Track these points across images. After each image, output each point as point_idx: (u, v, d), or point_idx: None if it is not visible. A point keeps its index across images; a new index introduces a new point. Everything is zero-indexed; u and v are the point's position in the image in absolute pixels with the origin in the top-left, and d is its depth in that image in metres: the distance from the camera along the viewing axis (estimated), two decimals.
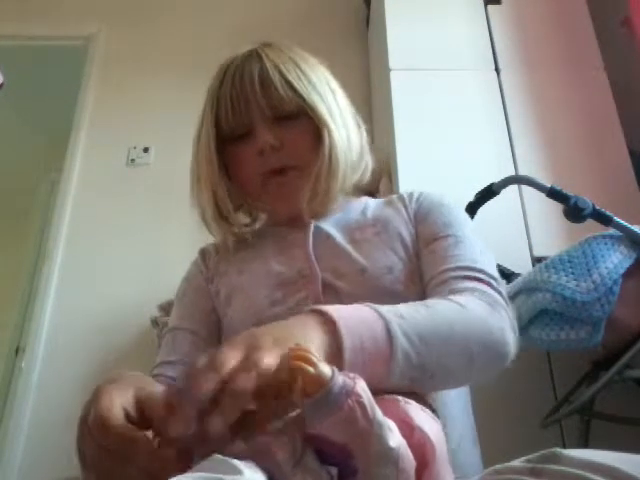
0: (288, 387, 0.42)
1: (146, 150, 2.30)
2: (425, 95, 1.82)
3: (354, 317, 0.54)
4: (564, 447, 0.39)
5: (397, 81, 1.84)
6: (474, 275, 0.67)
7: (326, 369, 0.42)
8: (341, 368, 0.48)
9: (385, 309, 0.56)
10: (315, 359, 0.42)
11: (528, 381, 1.40)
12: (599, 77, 1.85)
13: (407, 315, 0.56)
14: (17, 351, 2.76)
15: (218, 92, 0.78)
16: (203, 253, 0.86)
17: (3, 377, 2.84)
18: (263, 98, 0.75)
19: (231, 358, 0.44)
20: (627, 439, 1.26)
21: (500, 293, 0.67)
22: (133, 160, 2.29)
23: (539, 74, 1.87)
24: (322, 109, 0.76)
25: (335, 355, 0.51)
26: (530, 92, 1.83)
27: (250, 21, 2.55)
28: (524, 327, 1.20)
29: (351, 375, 0.43)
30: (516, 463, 0.40)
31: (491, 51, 1.91)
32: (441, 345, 0.57)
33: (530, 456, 0.40)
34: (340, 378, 0.42)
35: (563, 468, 0.37)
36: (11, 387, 2.40)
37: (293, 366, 0.42)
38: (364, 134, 0.86)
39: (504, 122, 1.78)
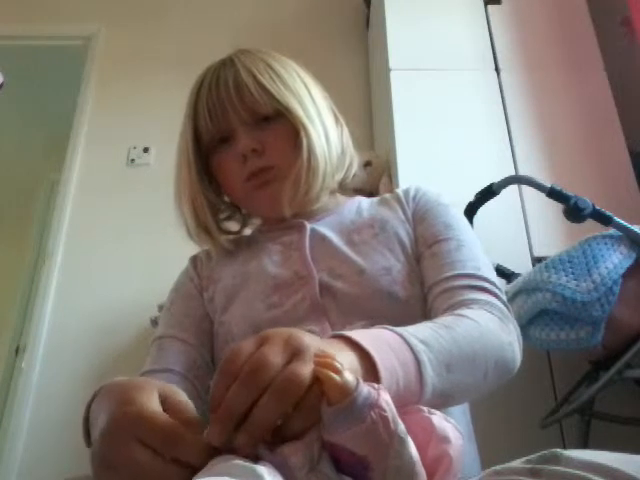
0: (314, 396, 0.41)
1: (146, 150, 2.30)
2: (425, 95, 1.82)
3: (388, 352, 0.50)
4: (564, 447, 0.39)
5: (397, 81, 1.84)
6: (480, 285, 0.68)
7: (351, 378, 0.41)
8: None
9: (410, 334, 0.53)
10: (340, 367, 0.41)
11: (528, 381, 1.40)
12: (599, 77, 1.85)
13: (432, 341, 0.54)
14: (17, 351, 2.76)
15: (196, 102, 0.78)
16: (194, 261, 0.86)
17: (3, 377, 2.84)
18: (239, 103, 0.75)
19: (277, 359, 0.42)
20: (627, 439, 1.26)
21: (505, 304, 0.68)
22: (133, 160, 2.29)
23: (539, 74, 1.87)
24: (298, 110, 0.75)
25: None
26: (530, 92, 1.83)
27: (250, 21, 2.56)
28: (524, 327, 1.20)
29: (375, 386, 0.42)
30: (515, 464, 0.40)
31: (491, 51, 1.91)
32: (463, 371, 0.56)
33: (530, 457, 0.40)
34: (365, 389, 0.41)
35: (563, 469, 0.36)
36: (11, 387, 2.40)
37: (318, 373, 0.41)
38: (345, 130, 0.85)
39: (504, 122, 1.78)
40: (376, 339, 0.51)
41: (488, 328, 0.61)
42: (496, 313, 0.65)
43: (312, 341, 0.45)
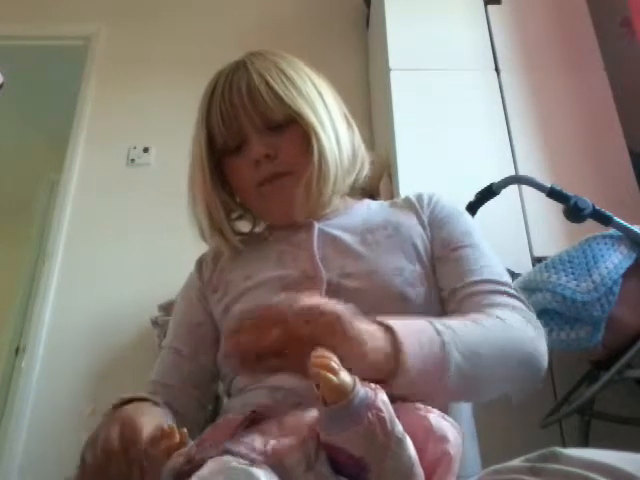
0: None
1: (146, 150, 2.29)
2: (425, 95, 1.81)
3: (417, 335, 0.55)
4: (564, 447, 0.39)
5: (397, 81, 1.84)
6: (503, 289, 0.70)
7: (348, 379, 0.40)
8: (395, 380, 0.50)
9: (436, 320, 0.58)
10: (337, 367, 0.40)
11: None
12: (599, 77, 1.85)
13: (457, 328, 0.58)
14: (17, 351, 2.76)
15: (209, 106, 0.79)
16: (199, 265, 0.87)
17: (3, 377, 2.84)
18: (252, 109, 0.76)
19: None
20: (627, 439, 1.26)
21: (530, 308, 0.70)
22: (133, 160, 2.29)
23: (539, 74, 1.87)
24: (309, 116, 0.76)
25: (395, 366, 0.51)
26: (530, 92, 1.83)
27: (250, 21, 2.56)
28: None
29: (372, 386, 0.42)
30: (515, 463, 0.40)
31: (491, 51, 1.91)
32: (491, 359, 0.58)
33: (529, 455, 0.40)
34: (362, 390, 0.41)
35: (562, 467, 0.37)
36: (11, 387, 2.40)
37: (315, 373, 0.41)
38: (356, 133, 0.86)
39: (504, 122, 1.78)
40: (402, 321, 0.55)
41: (515, 328, 0.63)
42: (523, 314, 0.67)
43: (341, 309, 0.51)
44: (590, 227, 1.20)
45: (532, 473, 0.38)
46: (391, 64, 1.87)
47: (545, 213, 1.58)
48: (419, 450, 0.41)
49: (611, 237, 1.16)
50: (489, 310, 0.65)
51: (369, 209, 0.84)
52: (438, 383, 0.53)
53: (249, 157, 0.76)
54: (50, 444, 1.79)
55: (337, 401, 0.40)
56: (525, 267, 1.43)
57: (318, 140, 0.75)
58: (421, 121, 1.76)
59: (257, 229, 0.90)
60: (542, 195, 1.21)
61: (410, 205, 0.82)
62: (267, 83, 0.76)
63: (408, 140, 1.73)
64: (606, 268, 1.09)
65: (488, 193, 1.32)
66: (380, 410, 0.40)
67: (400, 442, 0.40)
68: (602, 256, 1.11)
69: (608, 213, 1.15)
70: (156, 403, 0.68)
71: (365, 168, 0.86)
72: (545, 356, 0.65)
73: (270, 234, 0.86)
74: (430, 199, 0.82)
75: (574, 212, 1.15)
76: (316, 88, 0.80)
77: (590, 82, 1.85)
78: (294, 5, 2.64)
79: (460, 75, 1.86)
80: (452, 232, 0.77)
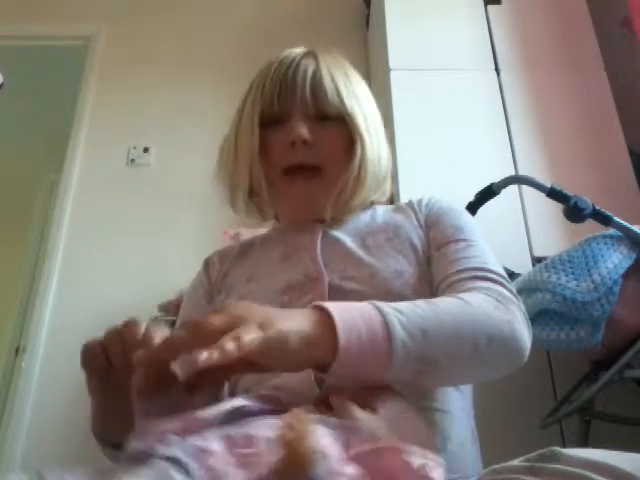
0: None
1: (146, 150, 2.30)
2: (425, 95, 1.82)
3: (351, 310, 0.55)
4: (564, 447, 0.39)
5: (397, 81, 1.84)
6: (483, 275, 0.68)
7: (314, 455, 0.38)
8: (335, 358, 0.51)
9: (384, 304, 0.57)
10: (310, 437, 0.39)
11: (528, 381, 1.40)
12: (599, 77, 1.85)
13: (406, 309, 0.57)
14: (17, 351, 2.76)
15: (270, 76, 0.79)
16: (207, 264, 0.87)
17: (3, 377, 2.84)
18: (310, 94, 0.77)
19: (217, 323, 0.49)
20: (627, 439, 1.26)
21: (510, 290, 0.67)
22: (133, 160, 2.29)
23: (539, 74, 1.87)
24: (360, 121, 0.78)
25: (329, 345, 0.51)
26: (530, 92, 1.83)
27: (250, 21, 2.56)
28: None
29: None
30: (515, 463, 0.40)
31: (491, 51, 1.91)
32: (443, 335, 0.57)
33: (529, 455, 0.40)
34: (324, 467, 0.38)
35: (562, 467, 0.37)
36: (11, 387, 2.40)
37: (286, 438, 0.39)
38: (390, 159, 0.86)
39: (504, 122, 1.78)
40: (343, 303, 0.55)
41: (479, 305, 0.61)
42: (493, 295, 0.64)
43: (260, 311, 0.51)
44: (590, 227, 1.20)
45: (532, 473, 0.38)
46: (391, 64, 1.87)
47: (545, 213, 1.58)
48: None
49: (611, 237, 1.16)
50: (458, 294, 0.63)
51: (374, 213, 0.85)
52: (386, 362, 0.53)
53: (288, 136, 0.76)
54: (50, 444, 1.79)
55: (296, 473, 0.38)
56: (525, 267, 1.44)
57: (363, 145, 0.77)
58: (421, 121, 1.76)
59: (262, 231, 0.90)
60: (542, 195, 1.21)
61: (411, 207, 0.83)
62: (332, 77, 0.78)
63: (408, 140, 1.73)
64: (606, 268, 1.09)
65: (488, 193, 1.32)
66: None
67: None
68: (602, 256, 1.11)
69: (608, 213, 1.15)
70: None
71: (387, 193, 0.86)
72: (524, 339, 0.62)
73: (274, 234, 0.86)
74: (429, 200, 0.83)
75: (574, 212, 1.15)
76: (369, 102, 0.83)
77: (590, 82, 1.85)
78: (294, 5, 2.64)
79: (460, 75, 1.87)
80: (444, 228, 0.77)
